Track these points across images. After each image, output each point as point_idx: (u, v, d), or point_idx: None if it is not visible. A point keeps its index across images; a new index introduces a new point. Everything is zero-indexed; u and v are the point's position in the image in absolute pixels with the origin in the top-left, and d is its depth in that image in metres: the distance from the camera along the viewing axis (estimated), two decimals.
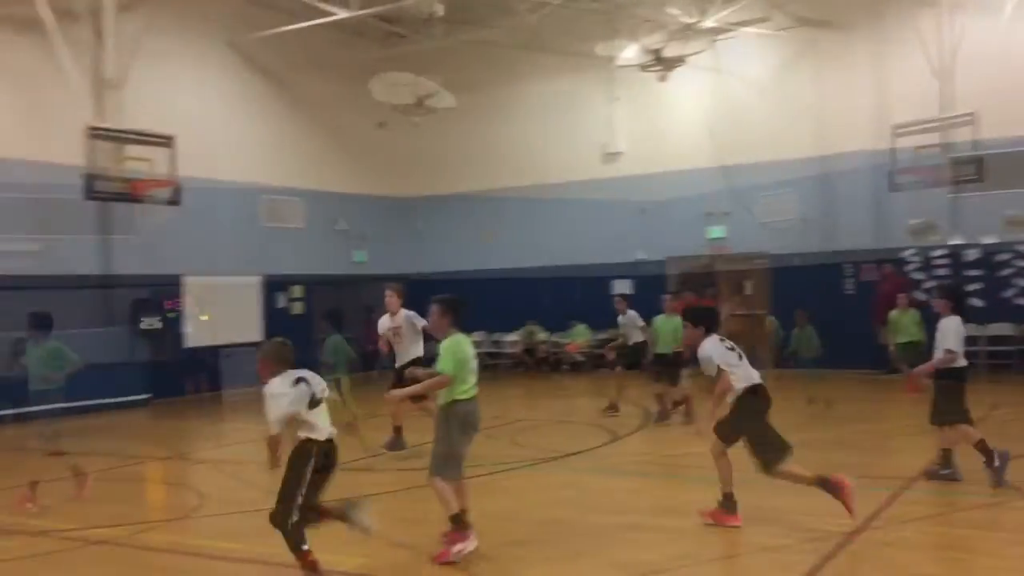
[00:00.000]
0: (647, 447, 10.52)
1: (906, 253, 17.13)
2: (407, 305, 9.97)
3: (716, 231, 18.95)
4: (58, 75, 14.49)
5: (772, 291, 18.34)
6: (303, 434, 5.45)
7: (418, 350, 9.78)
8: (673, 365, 11.71)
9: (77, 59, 14.60)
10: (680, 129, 19.16)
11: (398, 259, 21.85)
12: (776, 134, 18.02)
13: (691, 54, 16.62)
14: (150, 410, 15.29)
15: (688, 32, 16.97)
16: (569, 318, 20.00)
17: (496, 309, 20.67)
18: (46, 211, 14.87)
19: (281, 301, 19.11)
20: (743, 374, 6.51)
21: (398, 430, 9.66)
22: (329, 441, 5.51)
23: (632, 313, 12.75)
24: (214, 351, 17.16)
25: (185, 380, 16.81)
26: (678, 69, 17.49)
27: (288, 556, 5.35)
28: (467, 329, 6.24)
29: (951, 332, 7.53)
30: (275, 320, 18.37)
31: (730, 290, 19.20)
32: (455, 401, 5.95)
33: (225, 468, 10.01)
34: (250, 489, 7.51)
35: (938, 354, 7.58)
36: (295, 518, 5.34)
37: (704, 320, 6.82)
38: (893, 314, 13.96)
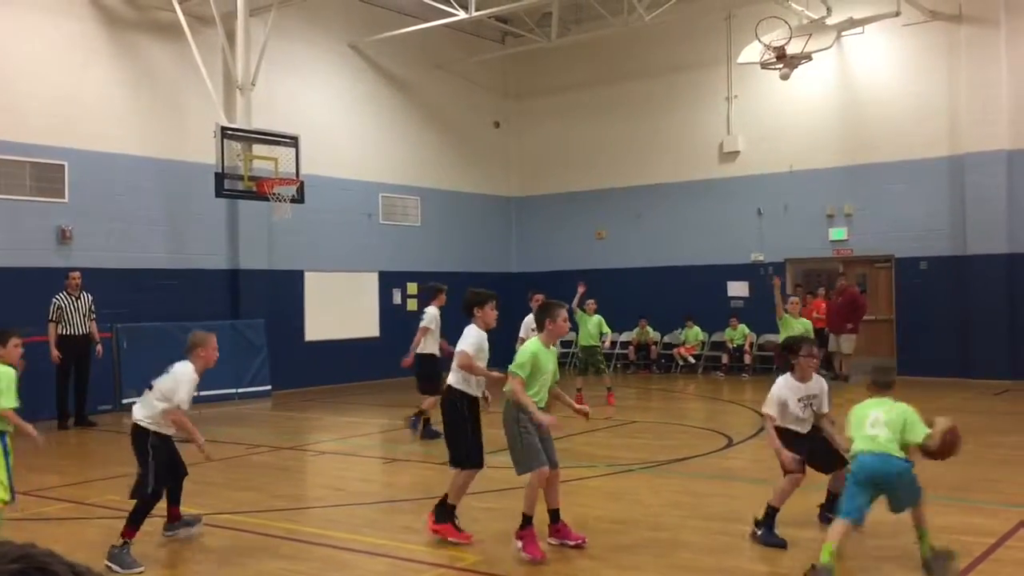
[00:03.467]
0: (762, 454, 10.27)
1: None
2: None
3: (838, 232, 18.38)
4: (192, 78, 15.20)
5: (896, 296, 17.71)
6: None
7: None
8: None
9: (210, 63, 15.27)
10: (801, 128, 18.61)
11: (508, 257, 22.03)
12: (904, 133, 17.35)
13: (817, 51, 16.08)
14: (272, 401, 15.84)
15: (812, 28, 16.46)
16: (682, 319, 19.75)
17: (607, 308, 20.56)
18: (179, 208, 15.63)
19: (396, 297, 19.49)
20: None
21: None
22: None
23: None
24: (333, 345, 17.66)
25: (305, 373, 17.35)
26: (800, 67, 16.99)
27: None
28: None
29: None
30: (390, 315, 18.78)
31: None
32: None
33: (342, 460, 10.29)
34: (368, 483, 7.70)
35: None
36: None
37: None
38: None
